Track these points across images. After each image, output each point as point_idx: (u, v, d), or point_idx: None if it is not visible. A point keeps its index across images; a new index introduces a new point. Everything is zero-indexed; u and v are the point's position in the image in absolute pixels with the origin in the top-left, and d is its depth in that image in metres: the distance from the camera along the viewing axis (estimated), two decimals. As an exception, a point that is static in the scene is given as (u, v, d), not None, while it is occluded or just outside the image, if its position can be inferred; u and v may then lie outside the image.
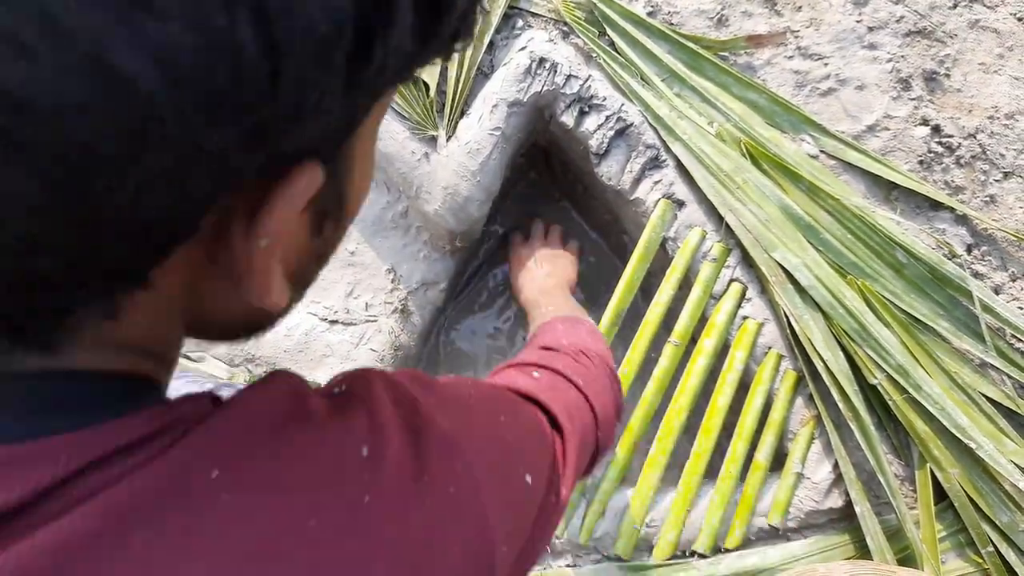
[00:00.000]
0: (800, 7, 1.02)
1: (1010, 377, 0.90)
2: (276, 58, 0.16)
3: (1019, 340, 0.91)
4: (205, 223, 0.20)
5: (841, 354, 0.90)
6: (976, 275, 0.94)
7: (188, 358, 0.94)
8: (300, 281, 0.28)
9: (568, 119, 0.98)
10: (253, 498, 0.21)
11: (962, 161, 0.97)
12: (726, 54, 1.01)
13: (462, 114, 0.99)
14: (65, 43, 0.14)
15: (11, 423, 0.19)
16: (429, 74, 0.97)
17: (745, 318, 0.95)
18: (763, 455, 0.91)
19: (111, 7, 0.14)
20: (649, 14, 1.01)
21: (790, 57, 1.01)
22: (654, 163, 0.98)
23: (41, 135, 0.14)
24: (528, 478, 0.33)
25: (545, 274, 0.99)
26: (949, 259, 0.93)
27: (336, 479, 0.23)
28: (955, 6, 1.02)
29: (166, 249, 0.19)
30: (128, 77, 0.14)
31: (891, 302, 0.91)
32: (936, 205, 0.96)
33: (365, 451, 0.25)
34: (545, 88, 0.97)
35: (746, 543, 0.90)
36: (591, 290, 1.29)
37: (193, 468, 0.21)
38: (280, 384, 0.25)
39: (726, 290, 0.95)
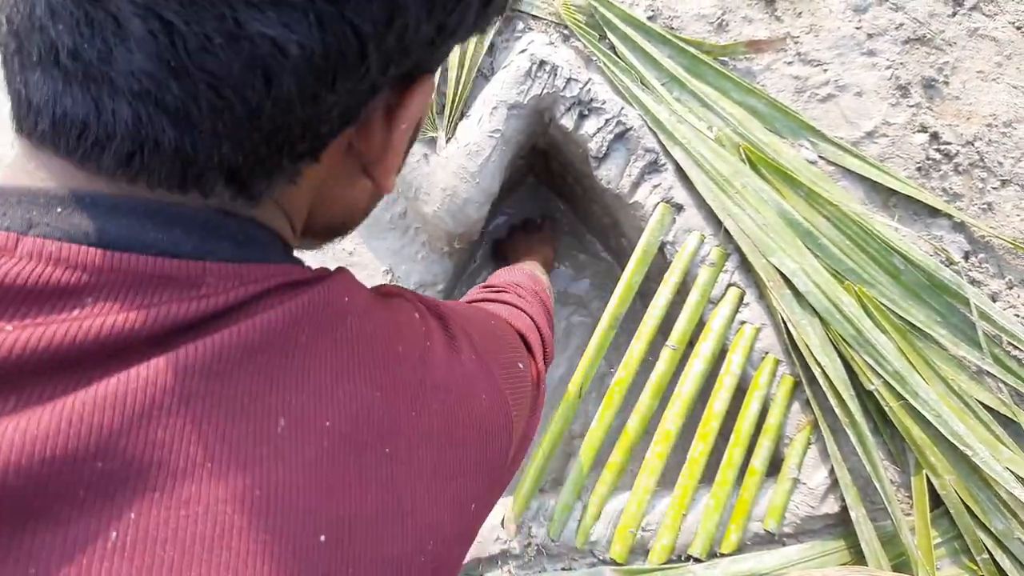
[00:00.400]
0: (800, 13, 1.03)
1: (1006, 384, 0.90)
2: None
3: (1015, 347, 0.91)
4: (362, 114, 0.27)
5: (838, 360, 0.91)
6: (973, 282, 0.94)
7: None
8: (379, 193, 0.37)
9: (568, 122, 0.98)
10: (364, 324, 0.30)
11: (960, 168, 0.98)
12: (726, 59, 1.01)
13: (462, 116, 0.99)
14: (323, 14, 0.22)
15: (228, 248, 0.26)
16: (429, 75, 0.97)
17: (743, 323, 0.95)
18: (759, 460, 0.91)
19: None
20: (649, 18, 1.01)
21: (790, 63, 1.01)
22: (653, 167, 0.98)
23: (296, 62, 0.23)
24: (520, 365, 0.42)
25: (527, 252, 1.11)
26: (946, 266, 0.93)
27: (408, 325, 0.33)
28: (954, 14, 1.03)
29: (338, 131, 0.27)
30: (345, 29, 0.23)
31: (888, 308, 0.91)
32: (934, 212, 0.96)
33: (417, 315, 0.34)
34: (545, 91, 0.97)
35: (742, 548, 0.90)
36: (589, 293, 1.29)
37: (334, 297, 0.29)
38: (348, 271, 0.33)
39: (724, 295, 0.96)
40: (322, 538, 0.24)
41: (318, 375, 0.27)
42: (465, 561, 0.89)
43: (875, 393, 0.89)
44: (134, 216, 0.25)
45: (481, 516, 0.33)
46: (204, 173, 0.25)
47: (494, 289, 0.64)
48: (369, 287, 0.36)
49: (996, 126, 0.99)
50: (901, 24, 1.01)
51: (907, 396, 0.88)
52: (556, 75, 0.97)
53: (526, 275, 0.72)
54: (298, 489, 0.24)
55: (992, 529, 0.86)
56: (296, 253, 0.35)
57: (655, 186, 0.97)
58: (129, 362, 0.23)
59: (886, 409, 0.89)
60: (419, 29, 0.25)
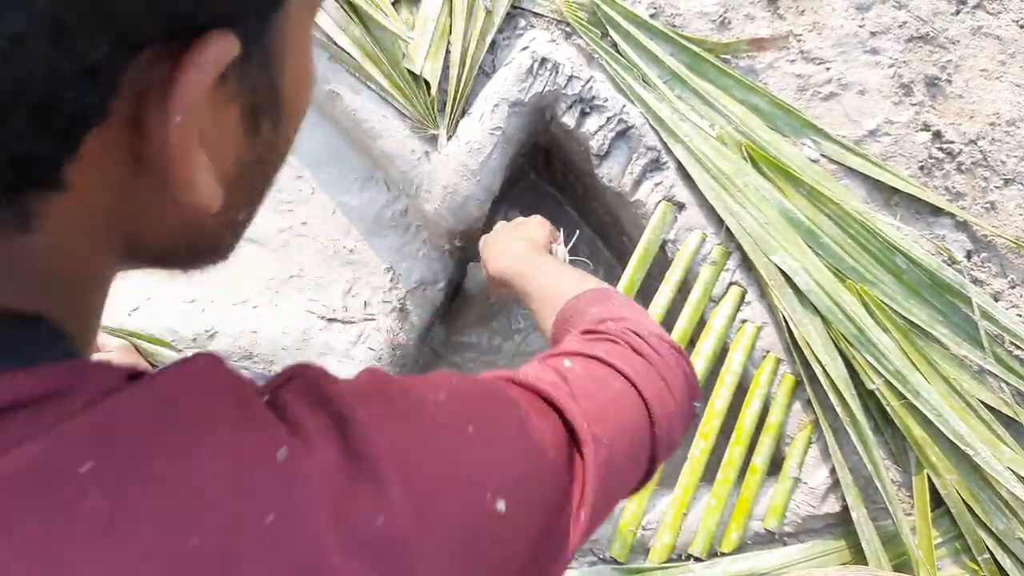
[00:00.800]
0: (803, 11, 1.02)
1: (1008, 384, 0.90)
2: None
3: (1017, 347, 0.91)
4: (118, 107, 0.18)
5: (839, 359, 0.90)
6: (975, 281, 0.94)
7: (175, 349, 0.94)
8: (245, 186, 0.25)
9: (569, 120, 0.97)
10: (123, 508, 0.18)
11: (963, 167, 0.97)
12: (728, 57, 1.01)
13: (463, 113, 0.99)
14: None
15: None
16: (431, 72, 0.96)
17: (744, 321, 0.94)
18: (760, 459, 0.91)
19: None
20: (652, 16, 1.01)
21: (792, 61, 1.01)
22: (655, 165, 0.97)
23: None
24: (500, 505, 0.26)
25: (509, 240, 0.79)
26: (949, 265, 0.93)
27: (239, 487, 0.20)
28: (957, 12, 1.02)
29: (72, 135, 0.17)
30: None
31: (890, 307, 0.91)
32: (936, 211, 0.96)
33: (281, 453, 0.21)
34: (547, 88, 0.96)
35: (742, 547, 0.90)
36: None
37: (60, 460, 0.17)
38: (203, 364, 0.22)
39: (725, 293, 0.95)
40: None
41: None
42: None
43: (876, 392, 0.89)
44: None
45: None
46: None
47: (589, 334, 0.43)
48: (272, 375, 0.25)
49: (999, 125, 0.98)
50: (904, 22, 1.01)
51: (908, 395, 0.88)
52: (558, 73, 0.96)
53: (622, 303, 0.48)
54: None
55: (993, 529, 0.86)
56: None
57: (656, 184, 0.97)
58: None
59: (887, 408, 0.89)
60: None
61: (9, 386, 0.17)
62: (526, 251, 0.75)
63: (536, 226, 0.84)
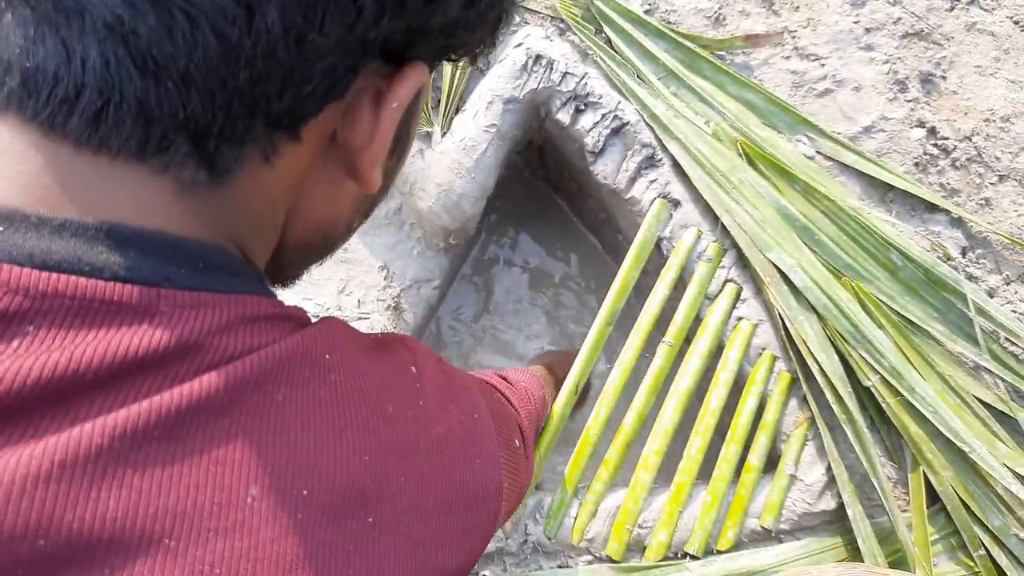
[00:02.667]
0: (798, 7, 1.02)
1: (1003, 380, 0.90)
2: None
3: (1013, 343, 0.91)
4: (349, 91, 0.26)
5: (835, 356, 0.90)
6: (971, 278, 0.94)
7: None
8: (367, 204, 0.34)
9: (564, 117, 0.97)
10: (352, 381, 0.27)
11: (958, 163, 0.97)
12: (723, 53, 1.00)
13: (457, 110, 0.99)
14: None
15: (187, 274, 0.24)
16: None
17: (740, 319, 0.94)
18: (756, 457, 0.91)
19: None
20: (646, 12, 1.00)
21: (787, 57, 1.01)
22: (650, 162, 0.97)
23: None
24: (516, 442, 0.41)
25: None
26: (944, 261, 0.93)
27: (401, 382, 0.30)
28: (952, 8, 1.02)
29: (321, 102, 0.25)
30: None
31: (886, 304, 0.91)
32: (931, 207, 0.96)
33: (414, 369, 0.32)
34: (541, 85, 0.96)
35: (738, 545, 0.90)
36: (585, 289, 1.29)
37: (315, 350, 0.26)
38: (337, 320, 0.30)
39: (721, 290, 0.95)
40: None
41: (296, 438, 0.24)
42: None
43: (872, 389, 0.89)
44: (83, 237, 0.22)
45: (464, 573, 0.32)
46: (167, 135, 0.22)
47: (504, 381, 0.62)
48: (366, 333, 0.34)
49: (994, 121, 0.98)
50: (899, 18, 1.01)
51: (904, 392, 0.88)
52: (552, 69, 0.96)
53: (533, 378, 0.71)
54: (269, 563, 0.22)
55: (989, 525, 0.86)
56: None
57: (652, 181, 0.97)
58: (76, 414, 0.20)
59: (883, 405, 0.89)
60: None
61: (261, 304, 0.25)
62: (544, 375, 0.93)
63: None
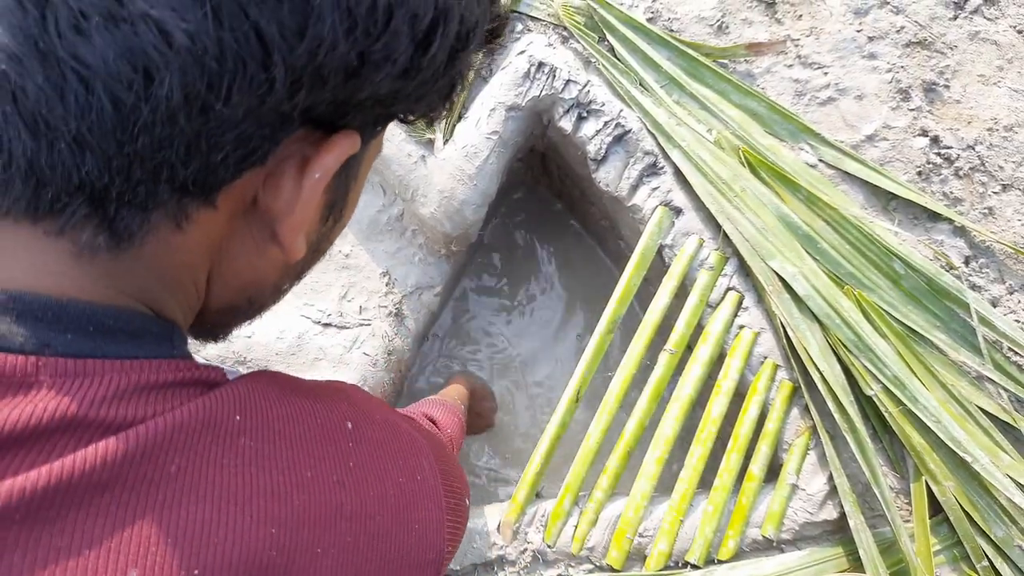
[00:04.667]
0: (801, 16, 1.02)
1: (1006, 390, 0.90)
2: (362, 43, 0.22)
3: (1016, 353, 0.91)
4: (271, 156, 0.24)
5: (837, 365, 0.90)
6: (974, 287, 0.93)
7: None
8: (296, 269, 0.32)
9: (566, 124, 0.97)
10: (264, 445, 0.25)
11: (961, 172, 0.97)
12: (726, 61, 1.00)
13: (460, 118, 0.99)
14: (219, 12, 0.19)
15: (74, 339, 0.22)
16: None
17: (741, 327, 0.94)
18: (758, 465, 0.91)
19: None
20: (649, 20, 1.00)
21: (790, 66, 1.01)
22: (652, 170, 0.97)
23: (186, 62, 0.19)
24: (466, 501, 0.38)
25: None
26: (947, 271, 0.92)
27: (329, 440, 0.28)
28: (955, 18, 1.02)
29: (237, 170, 0.23)
30: (261, 36, 0.20)
31: (888, 313, 0.91)
32: (934, 216, 0.96)
33: (349, 425, 0.29)
34: (544, 93, 0.96)
35: (739, 554, 0.90)
36: (587, 296, 1.28)
37: (221, 414, 0.24)
38: (269, 373, 0.29)
39: (723, 298, 0.95)
40: None
41: (190, 513, 0.22)
42: (460, 567, 0.89)
43: (874, 399, 0.89)
44: None
45: None
46: (60, 196, 0.21)
47: (433, 424, 0.62)
48: (310, 380, 0.32)
49: (997, 130, 0.98)
50: (902, 27, 1.01)
51: (906, 402, 0.87)
52: (555, 77, 0.96)
53: (457, 426, 0.71)
54: None
55: (992, 536, 0.85)
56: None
57: (654, 189, 0.97)
58: None
59: (885, 415, 0.88)
60: (335, 49, 0.21)
61: (164, 369, 0.24)
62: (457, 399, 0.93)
63: (483, 395, 1.15)
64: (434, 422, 0.63)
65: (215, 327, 0.33)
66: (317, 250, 0.32)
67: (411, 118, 0.28)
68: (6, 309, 0.21)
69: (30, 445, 0.20)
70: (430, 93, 0.27)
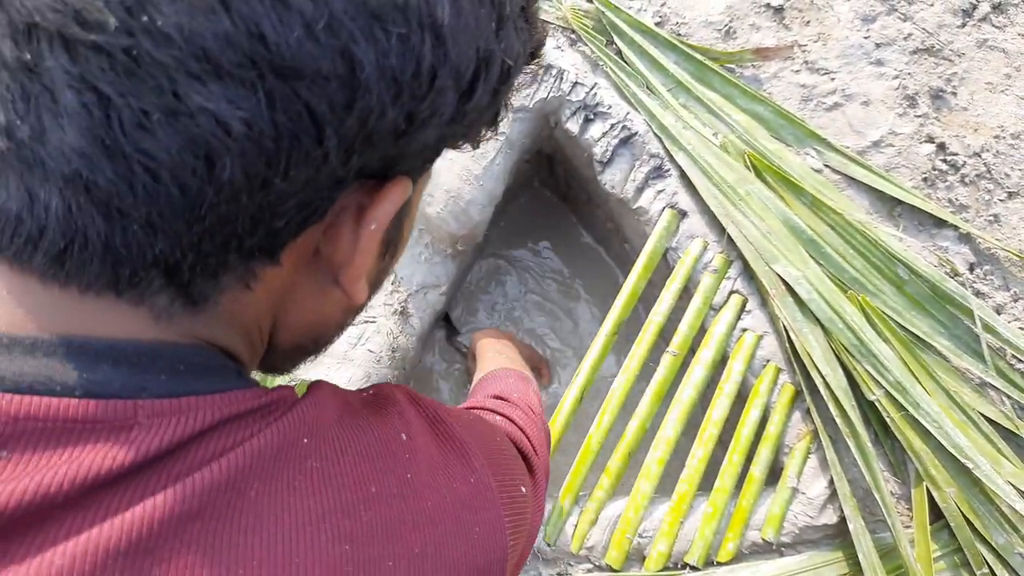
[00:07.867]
0: (808, 21, 1.02)
1: (1009, 397, 0.90)
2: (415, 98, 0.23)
3: (1020, 360, 0.90)
4: (329, 212, 0.25)
5: (840, 369, 0.90)
6: (978, 294, 0.93)
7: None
8: (356, 308, 0.34)
9: (573, 126, 0.98)
10: (330, 465, 0.26)
11: (967, 179, 0.97)
12: (733, 66, 1.01)
13: (467, 118, 1.00)
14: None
15: (165, 381, 0.24)
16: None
17: (744, 330, 0.94)
18: (759, 469, 0.91)
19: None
20: (657, 24, 1.01)
21: (797, 71, 1.01)
22: (658, 173, 0.98)
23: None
24: (523, 489, 0.38)
25: (503, 340, 1.02)
26: (951, 277, 0.93)
27: (389, 453, 0.29)
28: (963, 25, 1.02)
29: (299, 229, 0.25)
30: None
31: (891, 318, 0.91)
32: (939, 222, 0.96)
33: (404, 436, 0.31)
34: (551, 94, 0.97)
35: (739, 557, 0.90)
36: (592, 299, 1.29)
37: (291, 438, 0.26)
38: (328, 386, 0.31)
39: (726, 301, 0.95)
40: None
41: (271, 535, 0.23)
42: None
43: (876, 403, 0.89)
44: (55, 356, 0.22)
45: None
46: (137, 272, 0.23)
47: (497, 398, 0.60)
48: (357, 390, 0.34)
49: (1004, 138, 0.98)
50: (910, 34, 1.01)
51: (909, 407, 0.87)
52: (562, 79, 0.97)
53: (524, 383, 0.68)
54: None
55: (993, 543, 0.85)
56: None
57: (659, 192, 0.97)
58: (44, 539, 0.20)
59: (887, 420, 0.88)
60: (384, 115, 0.22)
61: (243, 399, 0.25)
62: (504, 349, 0.92)
63: (528, 347, 1.10)
64: (505, 399, 0.61)
65: (279, 365, 0.35)
66: (376, 283, 0.34)
67: (459, 144, 0.30)
68: (102, 357, 0.23)
69: (129, 483, 0.22)
70: (476, 126, 0.28)
